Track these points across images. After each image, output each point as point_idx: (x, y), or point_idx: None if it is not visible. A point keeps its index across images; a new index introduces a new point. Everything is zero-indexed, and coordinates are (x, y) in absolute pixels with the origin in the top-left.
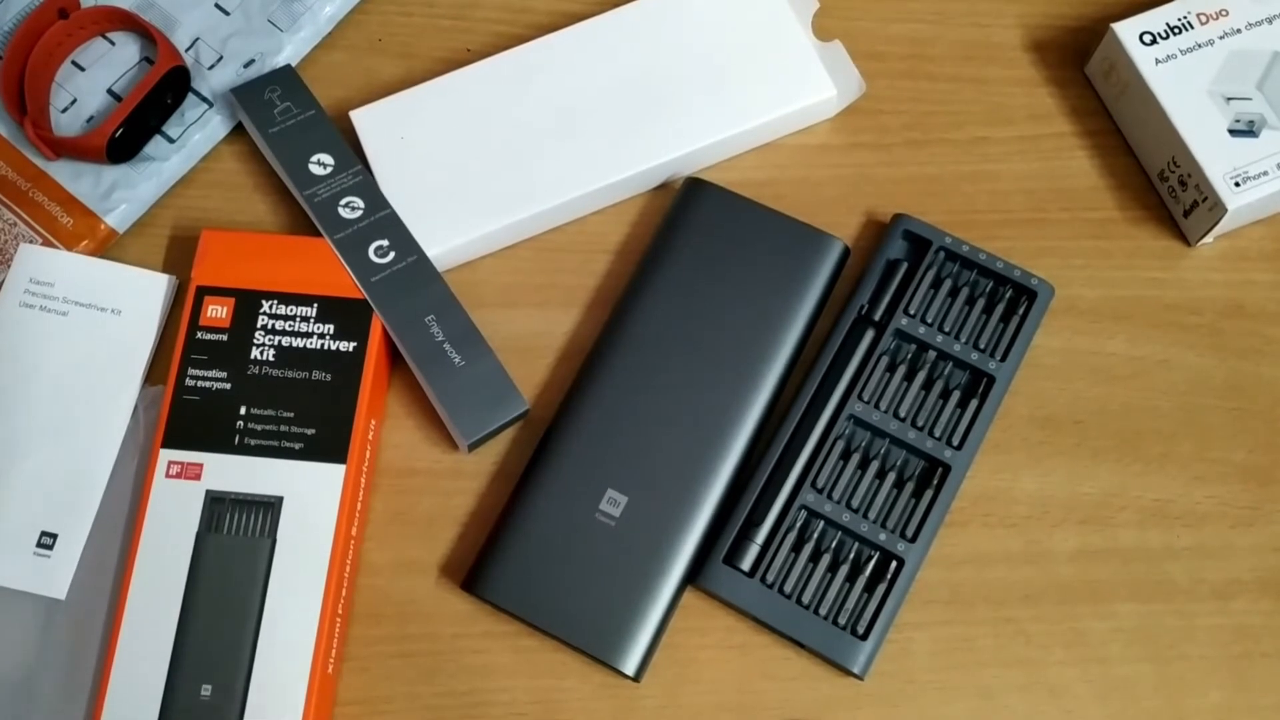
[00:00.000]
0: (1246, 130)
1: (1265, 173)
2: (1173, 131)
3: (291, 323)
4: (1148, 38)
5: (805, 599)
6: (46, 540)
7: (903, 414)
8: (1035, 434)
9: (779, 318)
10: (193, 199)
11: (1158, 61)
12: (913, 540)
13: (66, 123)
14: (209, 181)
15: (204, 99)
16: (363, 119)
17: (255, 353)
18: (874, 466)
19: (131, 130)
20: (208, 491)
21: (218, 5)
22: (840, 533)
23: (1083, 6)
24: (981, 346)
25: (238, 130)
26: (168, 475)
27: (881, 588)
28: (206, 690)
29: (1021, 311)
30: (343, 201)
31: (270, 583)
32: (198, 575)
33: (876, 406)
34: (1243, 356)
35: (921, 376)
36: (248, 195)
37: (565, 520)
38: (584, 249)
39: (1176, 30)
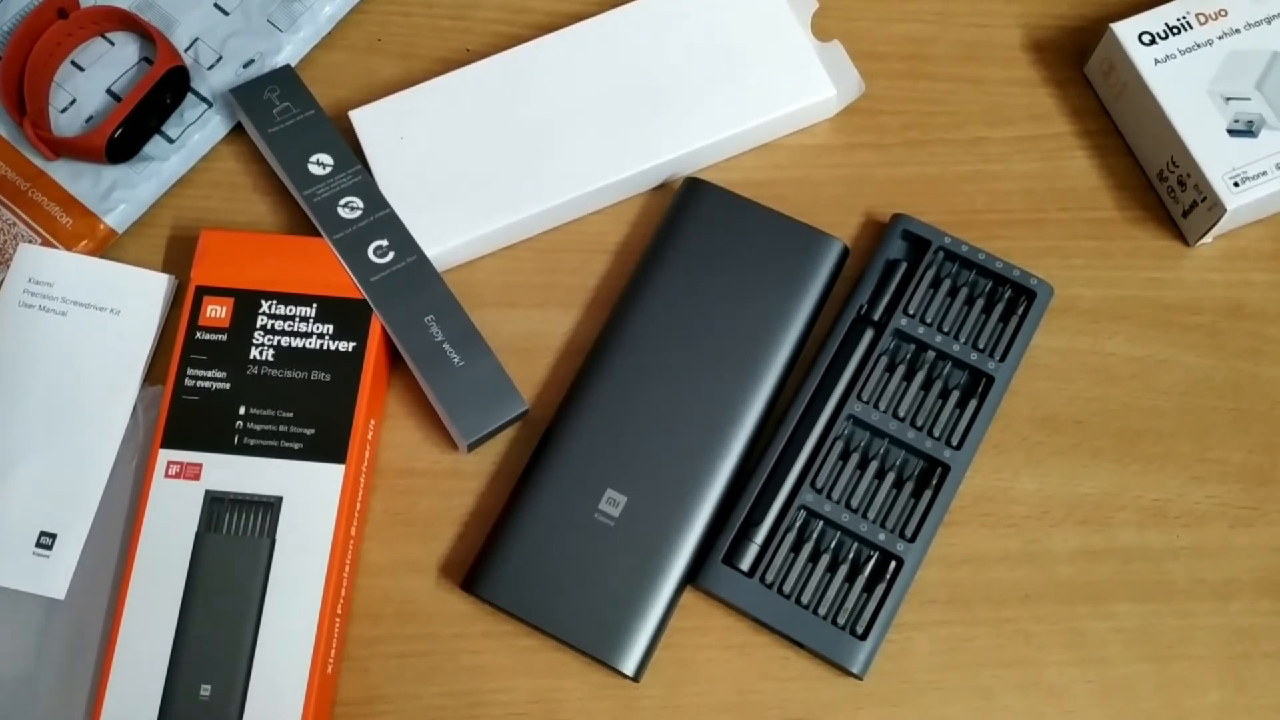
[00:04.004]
0: (1245, 130)
1: (1264, 173)
2: (1172, 131)
3: (291, 323)
4: (1147, 38)
5: (804, 599)
6: (45, 540)
7: (902, 414)
8: (1034, 434)
9: (778, 318)
10: (192, 199)
11: (1157, 62)
12: (912, 540)
13: (66, 123)
14: (208, 181)
15: (203, 99)
16: (362, 119)
17: (254, 353)
18: (873, 466)
19: (131, 130)
20: (207, 491)
21: (217, 5)
22: (839, 533)
23: (1082, 6)
24: (981, 346)
25: (237, 130)
26: (167, 475)
27: (881, 588)
28: (206, 690)
29: (1021, 311)
30: (342, 201)
31: (270, 583)
32: (197, 575)
33: (876, 406)
34: (1242, 356)
35: (921, 376)
36: (247, 195)
37: (565, 520)
38: (584, 249)
39: (1175, 30)
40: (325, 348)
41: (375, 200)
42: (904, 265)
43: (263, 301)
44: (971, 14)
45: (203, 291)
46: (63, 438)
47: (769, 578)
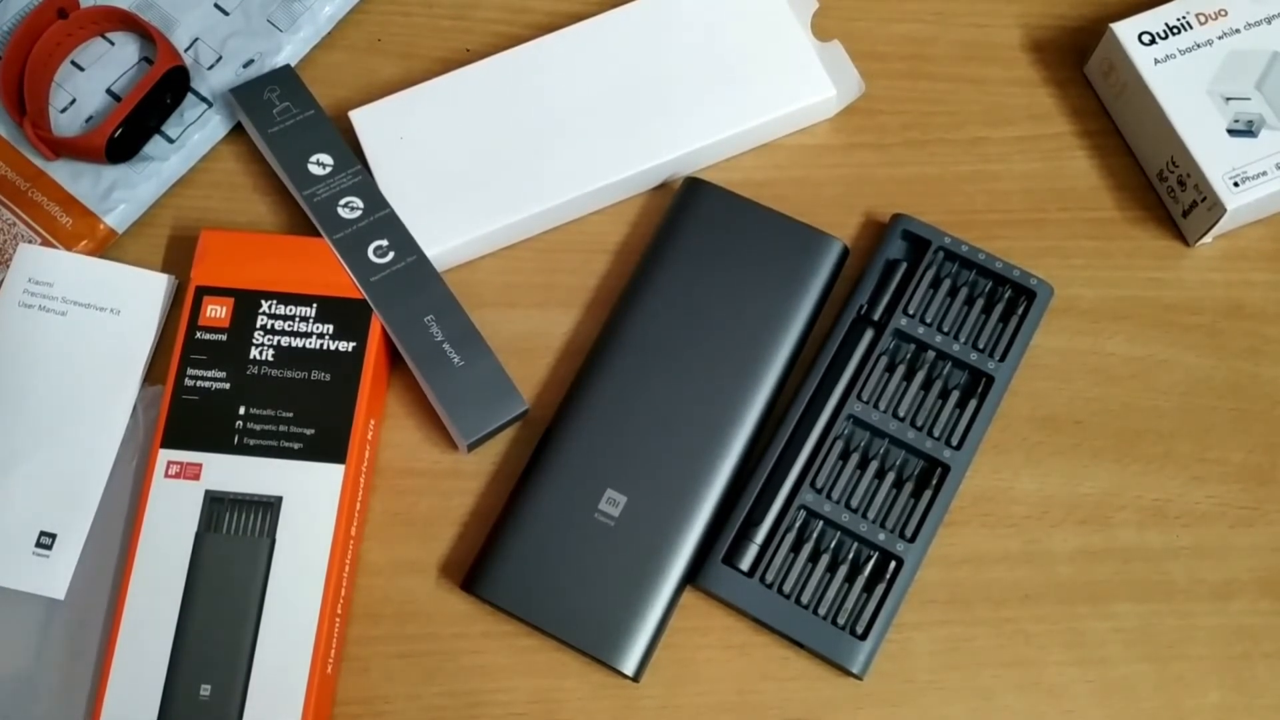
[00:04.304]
0: (1245, 130)
1: (1264, 173)
2: (1172, 131)
3: (291, 323)
4: (1147, 38)
5: (804, 599)
6: (45, 540)
7: (902, 414)
8: (1034, 434)
9: (778, 318)
10: (192, 199)
11: (1157, 62)
12: (912, 540)
13: (66, 123)
14: (208, 181)
15: (203, 99)
16: (362, 119)
17: (254, 353)
18: (873, 466)
19: (131, 130)
20: (207, 491)
21: (217, 5)
22: (839, 533)
23: (1082, 6)
24: (981, 346)
25: (237, 130)
26: (167, 475)
27: (880, 588)
28: (206, 690)
29: (1021, 311)
30: (342, 201)
31: (269, 582)
32: (197, 575)
33: (876, 406)
34: (1242, 356)
35: (921, 376)
36: (247, 195)
37: (564, 520)
38: (584, 249)
39: (1175, 30)
40: (325, 348)
41: (375, 200)
42: (904, 265)
43: (263, 301)
44: (971, 14)
45: (203, 291)
46: (63, 438)
47: (769, 578)
